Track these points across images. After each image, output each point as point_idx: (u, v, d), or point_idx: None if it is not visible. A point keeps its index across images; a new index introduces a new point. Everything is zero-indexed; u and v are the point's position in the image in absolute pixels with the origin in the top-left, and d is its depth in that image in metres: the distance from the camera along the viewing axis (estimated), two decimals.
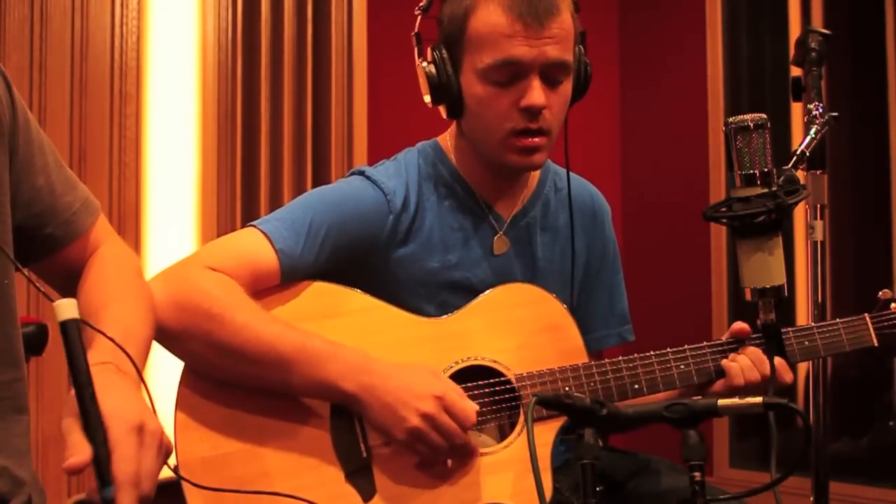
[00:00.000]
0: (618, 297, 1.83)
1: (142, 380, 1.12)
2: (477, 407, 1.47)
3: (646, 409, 1.14)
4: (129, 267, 1.36)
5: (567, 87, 1.59)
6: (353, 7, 3.42)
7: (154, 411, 1.08)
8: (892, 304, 1.69)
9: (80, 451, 0.97)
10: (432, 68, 1.58)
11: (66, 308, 0.92)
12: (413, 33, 1.62)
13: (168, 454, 1.06)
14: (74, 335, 0.94)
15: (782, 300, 1.36)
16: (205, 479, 1.39)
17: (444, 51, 1.58)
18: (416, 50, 1.63)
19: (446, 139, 1.70)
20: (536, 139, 1.57)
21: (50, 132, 1.56)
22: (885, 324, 1.67)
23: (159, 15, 3.11)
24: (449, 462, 1.49)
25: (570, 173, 1.72)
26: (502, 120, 1.55)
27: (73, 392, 1.00)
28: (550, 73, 1.55)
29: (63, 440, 0.99)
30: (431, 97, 1.60)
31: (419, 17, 1.62)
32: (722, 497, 1.37)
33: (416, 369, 1.48)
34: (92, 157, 2.92)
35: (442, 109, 1.63)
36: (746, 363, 1.57)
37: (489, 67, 1.53)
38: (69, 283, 1.33)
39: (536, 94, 1.53)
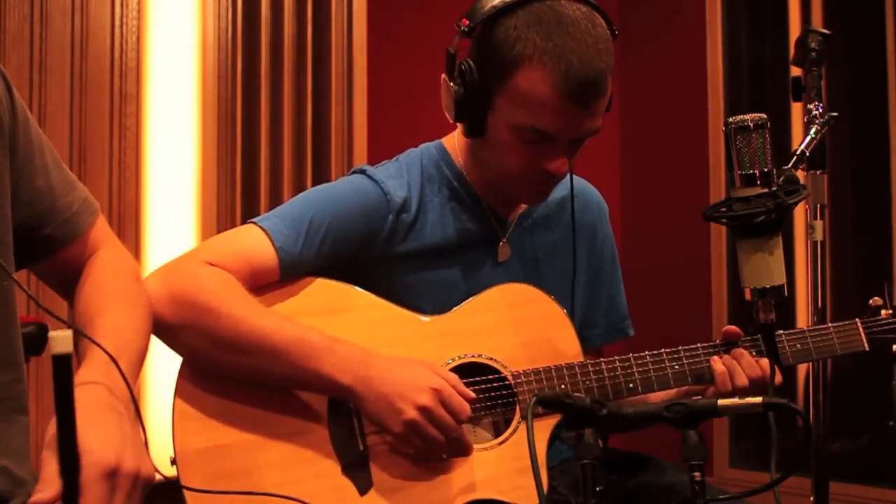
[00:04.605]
0: (617, 293, 1.85)
1: (133, 399, 1.12)
2: (472, 395, 1.48)
3: (646, 409, 1.14)
4: (126, 272, 1.36)
5: (586, 140, 1.58)
6: (353, 7, 3.42)
7: (143, 433, 1.08)
8: (883, 311, 1.70)
9: (48, 486, 0.96)
10: (461, 91, 1.52)
11: (61, 342, 0.93)
12: (449, 49, 1.53)
13: (148, 486, 1.05)
14: (65, 370, 0.94)
15: (782, 301, 1.36)
16: (201, 470, 1.40)
17: (477, 76, 1.51)
18: (446, 66, 1.54)
19: (452, 141, 1.69)
20: (550, 184, 1.60)
21: (50, 132, 1.56)
22: (876, 329, 1.69)
23: (159, 15, 3.11)
24: (444, 457, 1.49)
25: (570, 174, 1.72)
26: (521, 169, 1.55)
27: (54, 421, 0.98)
28: (580, 140, 1.55)
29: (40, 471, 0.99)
30: (454, 116, 1.56)
31: (458, 38, 1.52)
32: (722, 497, 1.37)
33: (413, 363, 1.48)
34: (92, 157, 2.92)
35: (459, 125, 1.60)
36: (735, 367, 1.58)
37: (523, 127, 1.50)
38: (67, 284, 1.33)
39: (561, 163, 1.54)
